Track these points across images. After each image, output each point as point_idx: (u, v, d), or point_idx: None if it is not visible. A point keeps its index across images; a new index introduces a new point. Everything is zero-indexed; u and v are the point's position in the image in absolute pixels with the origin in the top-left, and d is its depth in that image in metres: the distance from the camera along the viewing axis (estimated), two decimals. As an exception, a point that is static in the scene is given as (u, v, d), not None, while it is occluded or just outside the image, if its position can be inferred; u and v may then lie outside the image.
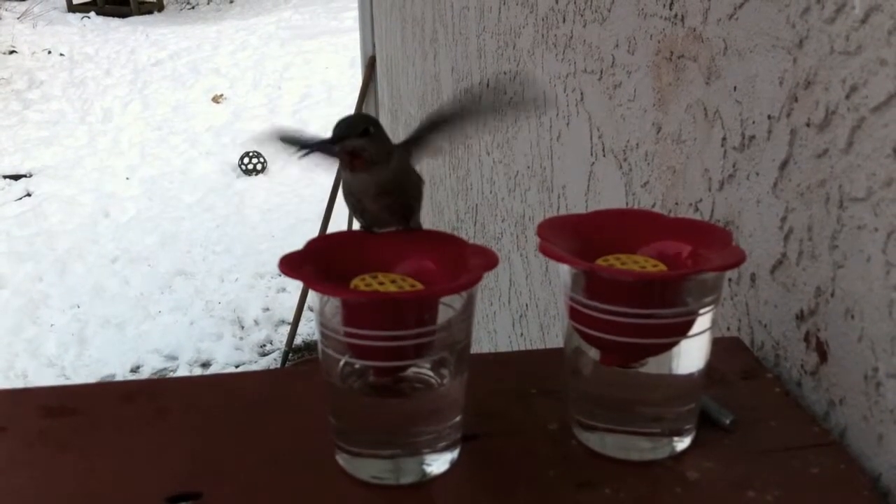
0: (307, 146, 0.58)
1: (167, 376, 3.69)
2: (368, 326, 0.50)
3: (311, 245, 0.56)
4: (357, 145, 0.56)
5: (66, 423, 0.60)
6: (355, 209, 0.60)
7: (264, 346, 3.95)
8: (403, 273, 0.55)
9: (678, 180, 0.86)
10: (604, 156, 1.08)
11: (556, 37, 1.25)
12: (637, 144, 0.97)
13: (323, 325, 0.52)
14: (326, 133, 0.58)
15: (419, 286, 0.54)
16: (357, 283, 0.54)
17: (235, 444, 0.58)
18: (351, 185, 0.59)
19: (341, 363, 0.53)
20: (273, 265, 4.20)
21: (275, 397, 0.64)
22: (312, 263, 0.53)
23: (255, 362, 3.82)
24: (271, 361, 3.81)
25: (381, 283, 0.53)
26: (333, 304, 0.52)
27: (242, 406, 0.62)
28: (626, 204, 1.01)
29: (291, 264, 0.52)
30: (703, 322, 0.54)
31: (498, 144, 1.68)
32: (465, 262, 0.54)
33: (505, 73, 1.59)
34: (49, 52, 8.24)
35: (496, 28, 1.64)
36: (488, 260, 0.53)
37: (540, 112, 1.36)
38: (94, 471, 0.56)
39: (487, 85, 0.67)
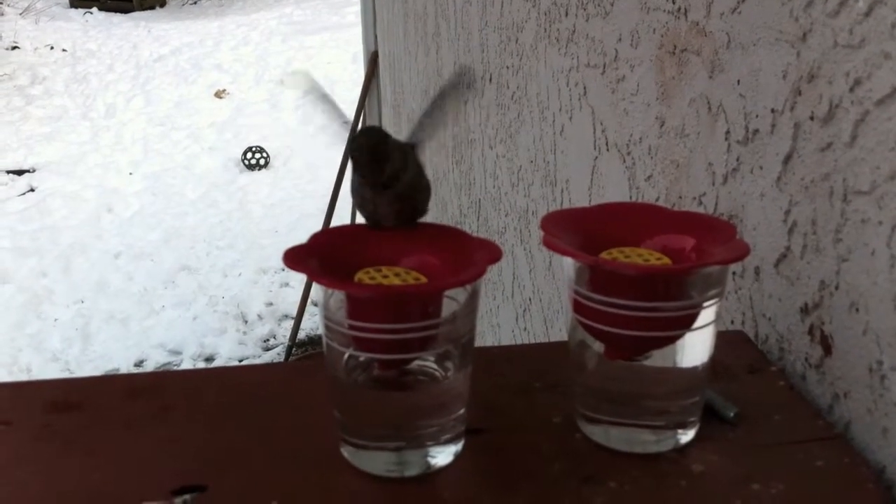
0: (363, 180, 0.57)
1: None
2: (373, 320, 0.50)
3: (315, 239, 0.56)
4: (389, 171, 0.56)
5: (71, 417, 0.61)
6: (364, 209, 0.59)
7: (268, 340, 3.96)
8: (407, 266, 0.55)
9: (682, 174, 0.86)
10: (607, 150, 1.08)
11: (559, 31, 1.25)
12: (640, 138, 0.97)
13: (327, 318, 0.52)
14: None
15: (423, 280, 0.54)
16: (361, 276, 0.54)
17: (240, 437, 0.58)
18: (366, 192, 0.58)
19: (346, 356, 0.53)
20: (276, 260, 4.21)
21: (279, 391, 0.64)
22: (316, 257, 0.54)
23: (259, 357, 3.83)
24: (274, 356, 3.82)
25: (385, 277, 0.53)
26: (338, 297, 0.52)
27: (247, 400, 0.62)
28: (630, 198, 1.01)
29: (295, 258, 0.52)
30: (707, 315, 0.54)
31: (501, 139, 1.68)
32: (469, 256, 0.54)
33: (507, 67, 1.59)
34: (51, 48, 8.25)
35: (499, 22, 1.64)
36: (492, 253, 0.53)
37: (541, 98, 1.36)
38: (98, 465, 0.56)
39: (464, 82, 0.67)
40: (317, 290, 0.53)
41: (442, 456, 0.53)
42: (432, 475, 0.53)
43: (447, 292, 0.52)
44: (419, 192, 0.59)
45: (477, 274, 0.51)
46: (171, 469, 0.55)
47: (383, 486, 0.53)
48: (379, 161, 0.55)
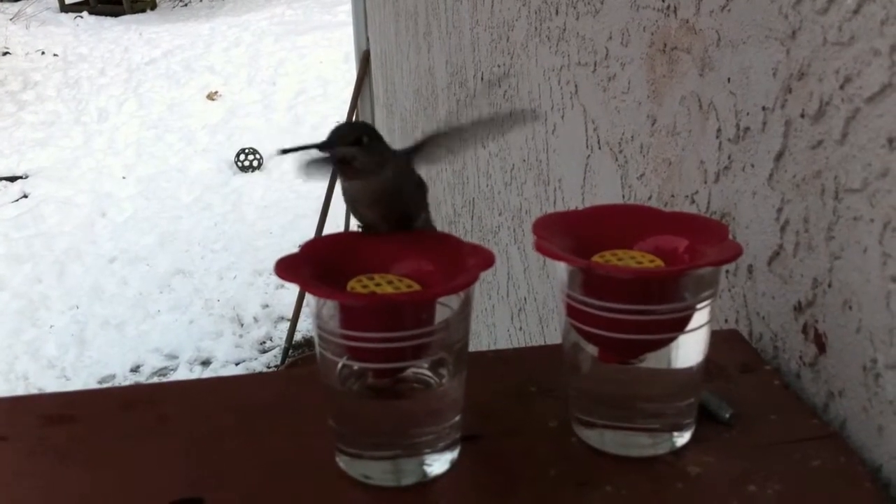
0: (296, 147, 0.57)
1: (168, 375, 3.69)
2: (366, 329, 0.50)
3: (307, 248, 0.56)
4: (347, 153, 0.56)
5: (67, 431, 0.60)
6: (353, 212, 0.60)
7: (264, 342, 3.95)
8: (400, 274, 0.55)
9: (674, 172, 0.86)
10: (599, 148, 1.08)
11: (550, 29, 1.25)
12: (632, 137, 0.97)
13: (320, 327, 0.52)
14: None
15: (416, 287, 0.54)
16: (354, 284, 0.53)
17: (236, 448, 0.58)
18: (346, 190, 0.58)
19: (339, 365, 0.52)
20: (271, 262, 4.20)
21: (274, 400, 0.63)
22: (309, 266, 0.53)
23: (256, 359, 3.82)
24: (271, 358, 3.81)
25: (377, 285, 0.53)
26: (330, 306, 0.52)
27: (242, 410, 0.62)
28: (623, 196, 1.01)
29: (287, 268, 0.52)
30: (700, 316, 0.54)
31: (493, 138, 1.68)
32: (461, 262, 0.53)
33: (499, 66, 1.59)
34: (43, 53, 8.22)
35: (489, 21, 1.64)
36: (485, 259, 0.53)
37: (532, 96, 1.35)
38: (95, 479, 0.56)
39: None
40: (310, 299, 0.53)
41: (438, 464, 0.53)
42: (428, 483, 0.53)
43: (440, 299, 0.52)
44: (405, 197, 0.59)
45: (470, 280, 0.50)
46: (168, 481, 0.55)
47: (379, 495, 0.52)
48: (350, 133, 0.56)
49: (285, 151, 0.56)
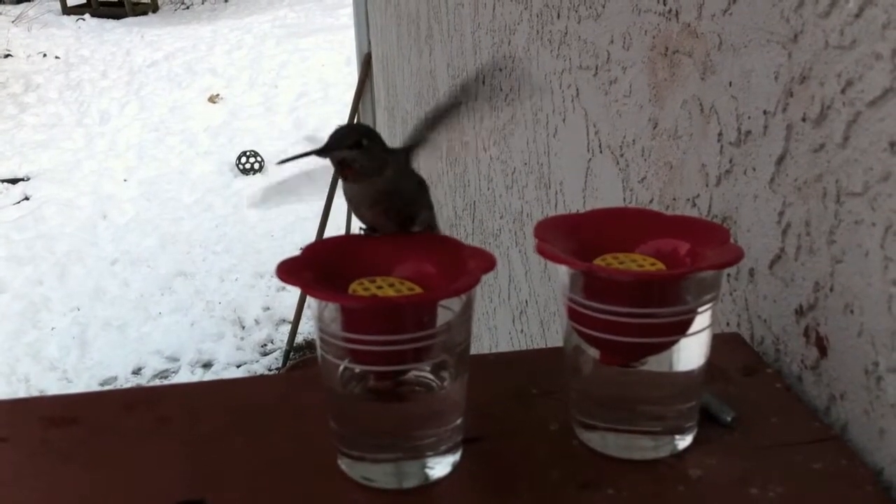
0: (296, 156, 0.57)
1: (169, 378, 3.69)
2: (368, 331, 0.50)
3: (309, 250, 0.56)
4: (346, 157, 0.56)
5: (68, 433, 0.60)
6: (355, 212, 0.60)
7: (265, 345, 3.95)
8: (401, 276, 0.55)
9: (675, 176, 0.86)
10: (600, 152, 1.08)
11: (551, 33, 1.25)
12: (633, 140, 0.97)
13: (322, 330, 0.52)
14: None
15: (417, 290, 0.54)
16: (355, 287, 0.53)
17: (237, 450, 0.58)
18: (347, 191, 0.59)
19: (341, 368, 0.53)
20: (272, 264, 4.20)
21: (275, 403, 0.63)
22: (310, 269, 0.53)
23: (257, 361, 3.82)
24: (273, 361, 3.81)
25: (379, 288, 0.53)
26: (332, 309, 0.52)
27: (243, 412, 0.62)
28: (624, 200, 1.01)
29: (289, 270, 0.52)
30: (702, 320, 0.54)
31: (495, 141, 1.68)
32: (463, 265, 0.54)
33: (500, 69, 1.59)
34: (44, 55, 8.23)
35: (491, 25, 1.64)
36: (486, 262, 0.53)
37: (534, 100, 1.36)
38: (96, 480, 0.56)
39: (483, 81, 0.66)
40: (311, 302, 0.53)
41: (440, 466, 0.53)
42: (430, 486, 0.53)
43: (442, 302, 0.52)
44: (405, 197, 0.59)
45: (471, 283, 0.50)
46: (170, 483, 0.55)
47: (381, 498, 0.52)
48: (349, 136, 0.56)
49: (285, 161, 0.57)
